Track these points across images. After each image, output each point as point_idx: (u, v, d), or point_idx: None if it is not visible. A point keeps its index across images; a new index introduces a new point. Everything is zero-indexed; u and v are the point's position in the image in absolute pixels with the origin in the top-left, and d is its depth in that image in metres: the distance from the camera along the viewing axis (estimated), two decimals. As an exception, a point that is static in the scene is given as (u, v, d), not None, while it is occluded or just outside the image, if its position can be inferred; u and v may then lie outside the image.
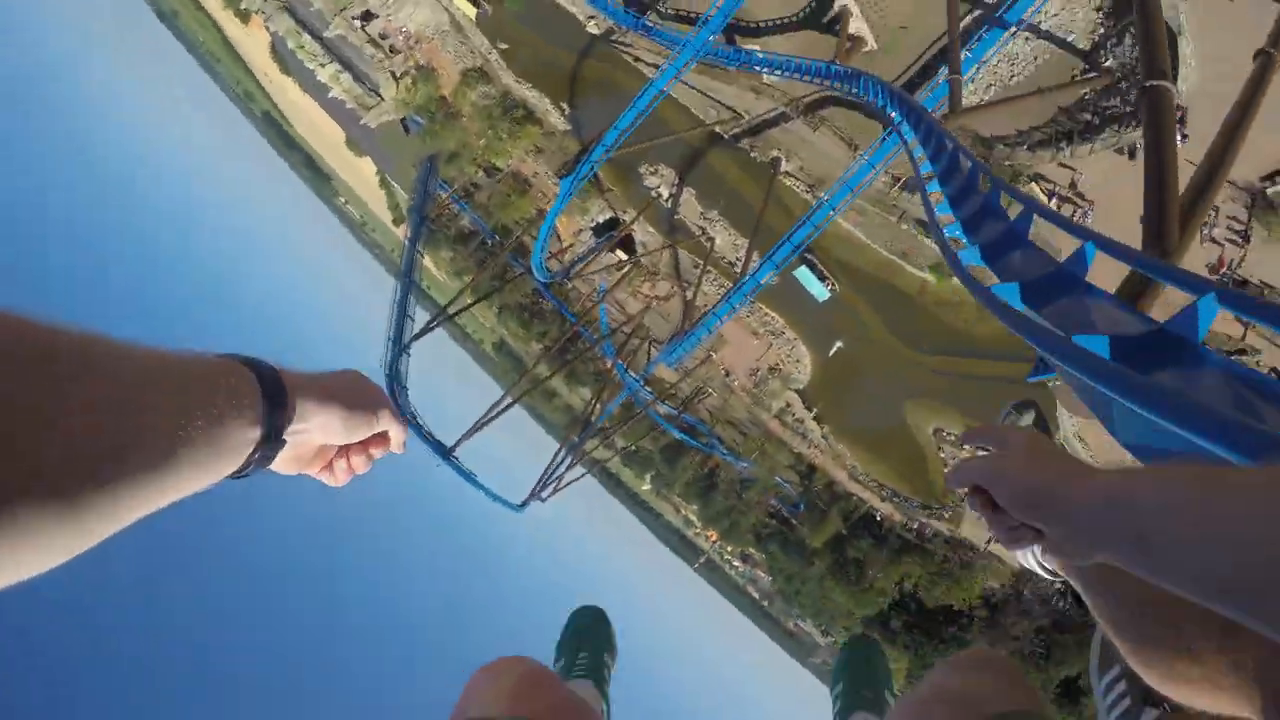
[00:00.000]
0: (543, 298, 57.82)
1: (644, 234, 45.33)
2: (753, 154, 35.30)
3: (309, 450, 1.38)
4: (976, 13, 23.21)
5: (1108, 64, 21.43)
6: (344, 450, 1.44)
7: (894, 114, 14.64)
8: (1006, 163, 24.31)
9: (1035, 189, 24.06)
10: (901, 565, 40.75)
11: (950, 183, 9.18)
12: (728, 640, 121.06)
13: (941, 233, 8.22)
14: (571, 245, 50.42)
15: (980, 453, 1.41)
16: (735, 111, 34.24)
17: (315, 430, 1.29)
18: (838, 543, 46.16)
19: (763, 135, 34.04)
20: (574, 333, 54.90)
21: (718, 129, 35.66)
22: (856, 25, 26.67)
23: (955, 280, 31.81)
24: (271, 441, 1.16)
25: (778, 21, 29.67)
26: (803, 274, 36.60)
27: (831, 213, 28.91)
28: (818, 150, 32.01)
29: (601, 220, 47.05)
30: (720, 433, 55.91)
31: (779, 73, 27.08)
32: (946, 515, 38.81)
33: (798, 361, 43.36)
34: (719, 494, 64.10)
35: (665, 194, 42.02)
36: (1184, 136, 18.88)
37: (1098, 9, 21.47)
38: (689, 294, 42.41)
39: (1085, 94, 22.46)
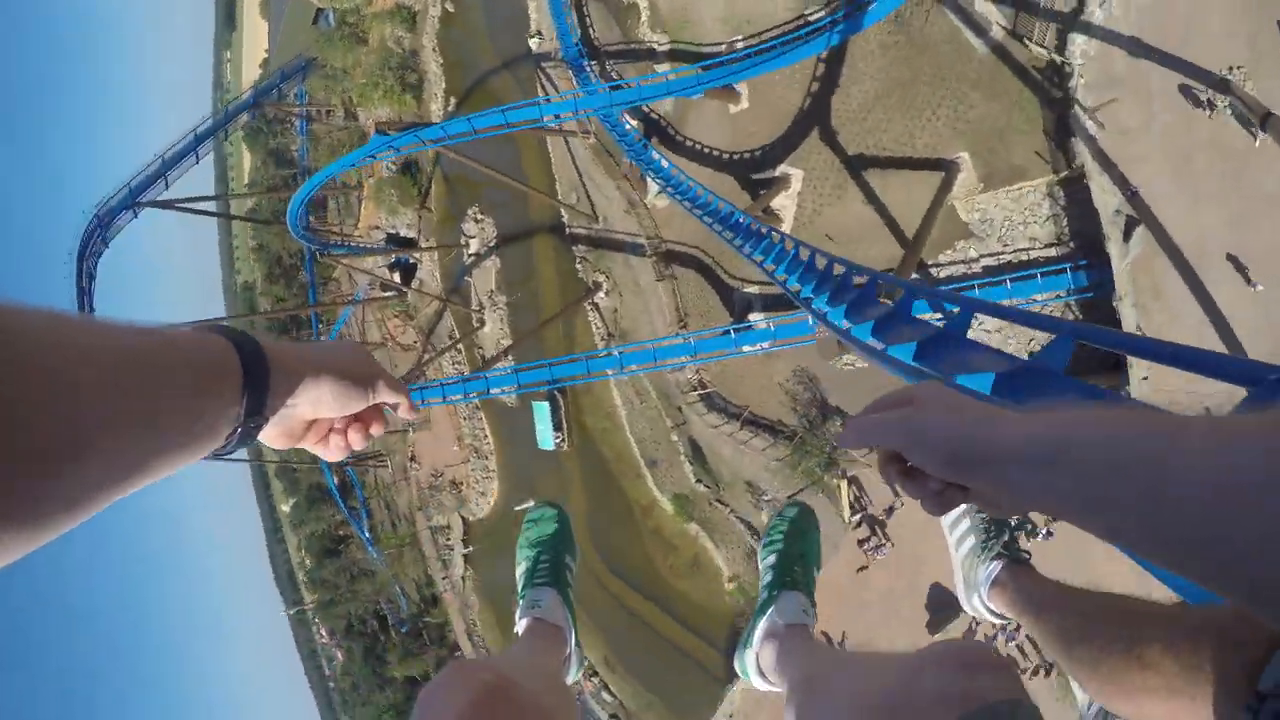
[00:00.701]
0: (303, 265, 46.64)
1: (428, 274, 36.02)
2: (579, 265, 27.51)
3: (299, 425, 1.20)
4: (916, 277, 16.70)
5: (1004, 402, 15.44)
6: (341, 423, 1.26)
7: (799, 285, 9.12)
8: (831, 447, 18.01)
9: (842, 489, 17.84)
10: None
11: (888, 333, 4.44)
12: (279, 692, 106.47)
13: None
14: (360, 236, 40.48)
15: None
16: (594, 211, 26.32)
17: (304, 405, 1.13)
18: (420, 685, 37.58)
19: (602, 253, 26.37)
20: (306, 316, 44.16)
21: (565, 216, 27.60)
22: (783, 202, 20.21)
23: (690, 525, 24.79)
24: (253, 419, 1.02)
25: (708, 150, 22.82)
26: (540, 410, 29.09)
27: (615, 370, 21.22)
28: (644, 302, 24.51)
29: (403, 234, 37.43)
30: (373, 508, 46.04)
31: (673, 192, 19.48)
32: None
33: (483, 494, 35.89)
34: (336, 564, 54.17)
35: (473, 249, 33.23)
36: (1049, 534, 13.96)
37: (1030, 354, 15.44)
38: (426, 358, 32.98)
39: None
